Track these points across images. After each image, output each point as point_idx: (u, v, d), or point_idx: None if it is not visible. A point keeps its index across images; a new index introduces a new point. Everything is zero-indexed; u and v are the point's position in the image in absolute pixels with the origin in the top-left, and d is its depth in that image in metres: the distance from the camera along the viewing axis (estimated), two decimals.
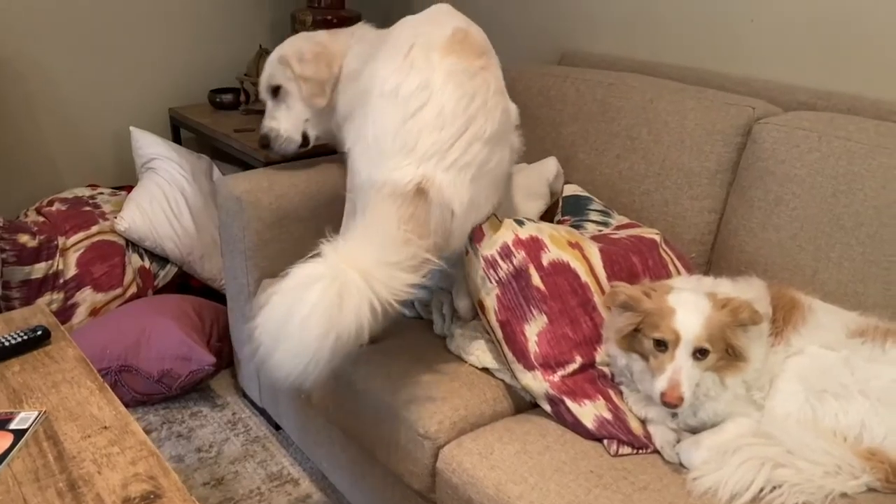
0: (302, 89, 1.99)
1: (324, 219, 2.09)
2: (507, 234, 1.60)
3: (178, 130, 3.05)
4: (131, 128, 2.77)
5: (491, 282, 1.57)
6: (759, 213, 1.72)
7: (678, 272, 1.68)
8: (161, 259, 2.60)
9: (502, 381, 1.61)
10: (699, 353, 1.30)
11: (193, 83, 3.08)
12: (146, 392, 2.25)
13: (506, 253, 1.57)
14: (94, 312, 2.39)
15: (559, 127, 2.10)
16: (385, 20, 1.99)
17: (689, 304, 1.32)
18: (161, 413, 2.30)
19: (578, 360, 1.50)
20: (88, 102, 2.90)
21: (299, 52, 1.98)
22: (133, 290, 2.49)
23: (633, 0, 2.30)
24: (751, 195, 1.75)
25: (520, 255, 1.57)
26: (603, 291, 1.57)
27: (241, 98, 2.93)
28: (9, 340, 1.52)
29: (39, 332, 1.56)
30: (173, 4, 2.99)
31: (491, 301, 1.57)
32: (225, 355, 2.44)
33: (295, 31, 2.95)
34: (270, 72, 2.04)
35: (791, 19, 1.93)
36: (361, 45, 1.96)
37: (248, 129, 2.69)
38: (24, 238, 2.32)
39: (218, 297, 2.71)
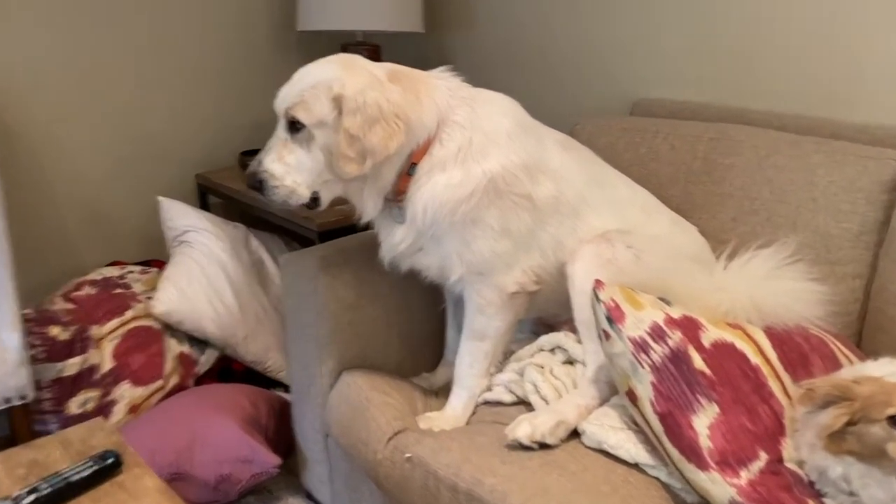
0: (338, 145, 1.46)
1: (401, 294, 1.89)
2: (654, 312, 1.39)
3: (206, 197, 2.81)
4: (159, 198, 2.52)
5: (643, 367, 1.34)
6: None
7: (840, 352, 1.47)
8: (200, 343, 2.34)
9: (657, 478, 1.37)
10: None
11: (221, 145, 2.85)
12: (201, 501, 1.97)
13: (658, 334, 1.35)
14: (133, 409, 2.11)
15: (657, 190, 1.87)
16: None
17: None
18: None
19: (763, 455, 1.27)
20: (108, 173, 2.64)
21: (362, 96, 1.45)
22: (175, 380, 2.22)
23: (719, 40, 2.12)
24: None
25: (675, 336, 1.35)
26: (777, 376, 1.35)
27: None
28: (76, 473, 1.25)
29: (111, 460, 1.29)
30: (196, 60, 2.76)
31: (645, 390, 1.34)
32: (282, 448, 2.17)
33: None
34: (300, 98, 1.48)
35: None
36: (466, 120, 1.54)
37: None
38: (54, 330, 2.05)
39: (261, 380, 2.45)
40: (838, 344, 1.47)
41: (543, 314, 1.78)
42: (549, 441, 1.44)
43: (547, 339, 1.71)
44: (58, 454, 1.38)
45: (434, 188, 1.52)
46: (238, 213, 2.78)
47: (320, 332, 1.79)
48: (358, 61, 1.55)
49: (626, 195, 1.76)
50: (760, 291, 1.45)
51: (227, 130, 2.86)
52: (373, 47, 2.77)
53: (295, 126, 1.50)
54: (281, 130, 1.54)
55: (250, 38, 2.87)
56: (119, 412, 2.09)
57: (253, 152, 2.79)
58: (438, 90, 1.56)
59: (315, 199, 1.57)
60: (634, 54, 2.33)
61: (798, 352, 1.39)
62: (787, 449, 1.29)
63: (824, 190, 1.67)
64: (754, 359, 1.34)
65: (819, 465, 1.22)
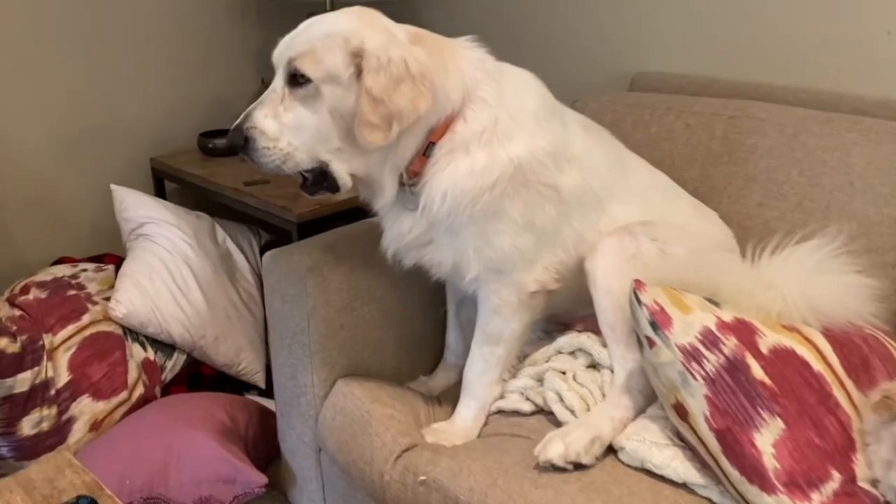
0: (360, 110, 1.25)
1: (399, 293, 1.71)
2: (704, 315, 1.24)
3: (162, 183, 2.56)
4: (112, 186, 2.28)
5: (696, 378, 1.20)
6: None
7: None
8: (166, 347, 2.12)
9: (708, 499, 1.24)
10: None
11: (177, 126, 2.60)
12: None
13: (711, 340, 1.21)
14: (95, 427, 1.89)
15: (671, 172, 1.71)
16: None
17: None
18: None
19: (836, 475, 1.15)
20: (52, 160, 2.38)
21: (385, 52, 1.25)
22: (140, 390, 2.00)
23: (728, 9, 1.97)
24: None
25: (730, 343, 1.21)
26: (841, 383, 1.22)
27: None
28: None
29: None
30: (146, 32, 2.49)
31: (698, 404, 1.20)
32: (264, 461, 1.98)
33: None
34: (308, 47, 1.26)
35: None
36: (493, 97, 1.35)
37: (260, 180, 2.24)
38: (2, 342, 1.81)
39: (234, 383, 2.25)
40: (894, 343, 1.35)
41: (557, 311, 1.63)
42: (585, 461, 1.29)
43: (567, 341, 1.55)
44: (19, 500, 1.17)
45: (456, 173, 1.33)
46: (197, 200, 2.55)
47: (311, 339, 1.60)
48: (377, 16, 1.35)
49: (648, 181, 1.61)
50: (813, 288, 1.31)
51: (183, 109, 2.61)
52: None
53: (297, 80, 1.28)
54: (279, 83, 1.31)
55: (207, 6, 2.61)
56: (79, 431, 1.87)
57: (214, 133, 2.57)
58: (466, 60, 1.37)
59: (322, 174, 1.34)
60: (633, 22, 2.16)
61: (859, 355, 1.27)
62: (860, 466, 1.16)
63: (861, 173, 1.55)
64: (816, 365, 1.21)
65: None
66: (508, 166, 1.33)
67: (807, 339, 1.25)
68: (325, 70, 1.26)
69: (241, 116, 1.32)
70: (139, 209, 2.24)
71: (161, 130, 2.57)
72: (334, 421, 1.58)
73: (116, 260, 2.34)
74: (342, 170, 1.34)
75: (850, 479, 1.15)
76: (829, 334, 1.27)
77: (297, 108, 1.29)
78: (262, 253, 2.45)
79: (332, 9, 2.54)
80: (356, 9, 1.35)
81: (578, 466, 1.29)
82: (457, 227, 1.38)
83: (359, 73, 1.26)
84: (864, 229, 1.53)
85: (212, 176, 2.30)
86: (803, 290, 1.30)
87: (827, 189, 1.58)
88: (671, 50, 2.10)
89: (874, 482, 1.16)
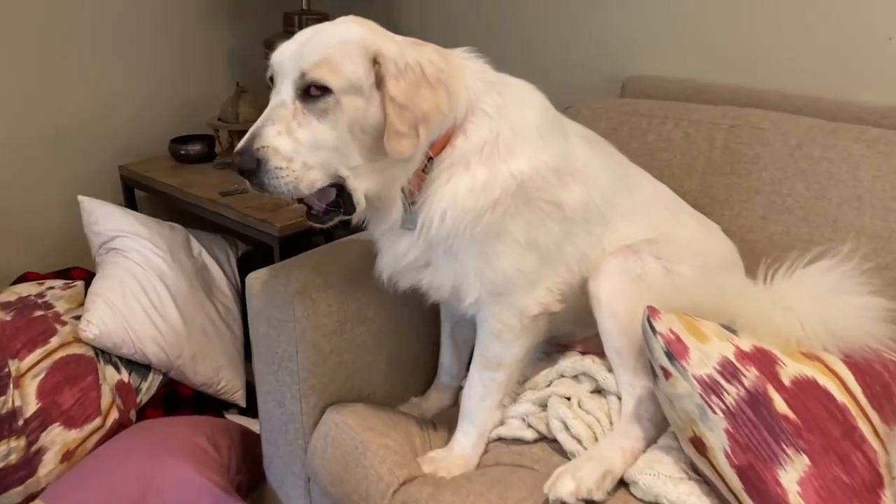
0: (390, 118, 1.17)
1: (390, 314, 1.63)
2: (721, 345, 1.18)
3: (132, 192, 2.44)
4: (80, 198, 2.16)
5: (715, 412, 1.14)
6: None
7: None
8: (141, 367, 2.02)
9: None
10: None
11: (147, 132, 2.47)
12: None
13: (730, 372, 1.15)
14: (67, 457, 1.78)
15: (671, 182, 1.65)
16: None
17: None
18: None
19: None
20: (14, 170, 2.24)
21: (402, 56, 1.19)
22: (114, 416, 1.89)
23: (722, 12, 1.91)
24: None
25: (751, 374, 1.15)
26: (865, 415, 1.17)
27: (215, 149, 2.35)
28: None
29: None
30: (112, 34, 2.36)
31: (717, 439, 1.14)
32: (246, 486, 1.90)
33: None
34: (324, 56, 1.16)
35: None
36: (495, 109, 1.28)
37: (237, 190, 2.13)
38: None
39: (213, 402, 2.15)
40: None
41: (557, 333, 1.56)
42: (597, 497, 1.23)
43: (570, 365, 1.49)
44: None
45: (456, 191, 1.25)
46: (169, 209, 2.44)
47: (299, 365, 1.51)
48: (375, 24, 1.26)
49: (651, 194, 1.55)
50: (830, 311, 1.26)
51: (153, 115, 2.48)
52: (319, 17, 2.44)
53: (309, 92, 1.16)
54: (287, 96, 1.18)
55: (177, 6, 2.48)
56: (50, 462, 1.76)
57: (186, 139, 2.45)
58: (467, 70, 1.29)
59: (340, 193, 1.22)
60: (624, 24, 2.10)
61: (881, 383, 1.22)
62: (888, 502, 1.11)
63: (870, 186, 1.50)
64: (840, 397, 1.16)
65: None
66: (511, 183, 1.25)
67: (828, 367, 1.19)
68: (346, 79, 1.16)
69: (247, 137, 1.17)
70: (109, 222, 2.12)
71: (130, 136, 2.44)
72: (326, 452, 1.50)
73: (85, 274, 2.22)
74: (359, 189, 1.23)
75: None
76: (849, 362, 1.22)
77: (312, 123, 1.17)
78: (239, 265, 2.36)
79: (309, 7, 2.46)
80: (353, 17, 1.27)
81: (589, 503, 1.23)
82: (456, 248, 1.30)
83: (377, 81, 1.18)
84: (873, 245, 1.49)
85: (186, 186, 2.19)
86: (820, 314, 1.25)
87: (834, 203, 1.53)
88: (664, 53, 2.04)
89: None
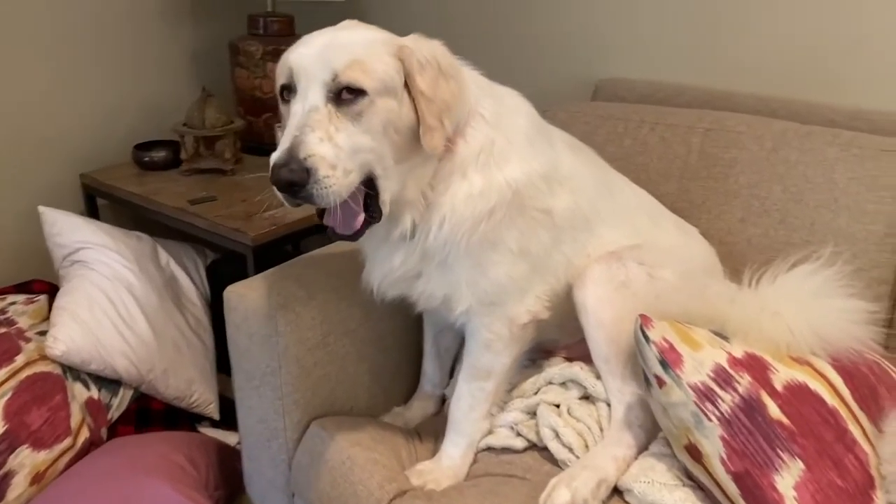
0: (423, 114, 1.16)
1: (373, 324, 1.61)
2: (714, 352, 1.19)
3: (94, 200, 2.36)
4: (41, 208, 2.07)
5: (710, 419, 1.15)
6: None
7: None
8: (111, 383, 1.95)
9: None
10: None
11: (109, 137, 2.38)
12: None
13: (724, 379, 1.16)
14: (36, 479, 1.71)
15: (648, 186, 1.66)
16: None
17: None
18: None
19: None
20: None
21: (420, 50, 1.18)
22: (85, 434, 1.83)
23: (696, 15, 1.92)
24: None
25: (744, 381, 1.16)
26: (855, 418, 1.18)
27: (180, 155, 2.29)
28: None
29: None
30: (70, 34, 2.25)
31: (713, 446, 1.15)
32: (225, 500, 1.86)
33: (239, 65, 2.37)
34: (353, 57, 1.13)
35: None
36: (492, 116, 1.28)
37: (206, 197, 2.08)
38: None
39: (185, 417, 2.10)
40: (894, 368, 1.33)
41: (541, 339, 1.55)
42: None
43: (558, 372, 1.48)
44: None
45: (454, 199, 1.24)
46: (134, 217, 2.37)
47: (282, 381, 1.48)
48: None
49: (633, 200, 1.56)
50: (816, 315, 1.27)
51: (115, 119, 2.40)
52: (285, 19, 2.40)
53: (341, 96, 1.12)
54: (318, 101, 1.12)
55: (137, 7, 2.40)
56: (19, 485, 1.68)
57: (150, 145, 2.38)
58: (466, 73, 1.29)
59: (370, 201, 1.18)
60: (597, 25, 2.09)
61: (867, 385, 1.24)
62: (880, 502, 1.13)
63: (845, 189, 1.52)
64: (831, 400, 1.18)
65: None
66: (506, 191, 1.25)
67: (818, 371, 1.21)
68: (380, 80, 1.14)
69: (288, 147, 1.09)
70: (73, 233, 2.05)
71: (91, 142, 2.35)
72: (311, 468, 1.47)
73: (47, 287, 2.14)
74: (387, 190, 1.19)
75: None
76: (837, 365, 1.24)
77: (348, 128, 1.12)
78: (208, 273, 2.30)
79: (274, 9, 2.41)
80: (356, 21, 1.25)
81: None
82: (451, 258, 1.28)
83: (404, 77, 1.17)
84: (850, 246, 1.50)
85: (152, 194, 2.12)
86: (807, 318, 1.27)
87: (811, 205, 1.55)
88: (637, 55, 2.04)
89: None
